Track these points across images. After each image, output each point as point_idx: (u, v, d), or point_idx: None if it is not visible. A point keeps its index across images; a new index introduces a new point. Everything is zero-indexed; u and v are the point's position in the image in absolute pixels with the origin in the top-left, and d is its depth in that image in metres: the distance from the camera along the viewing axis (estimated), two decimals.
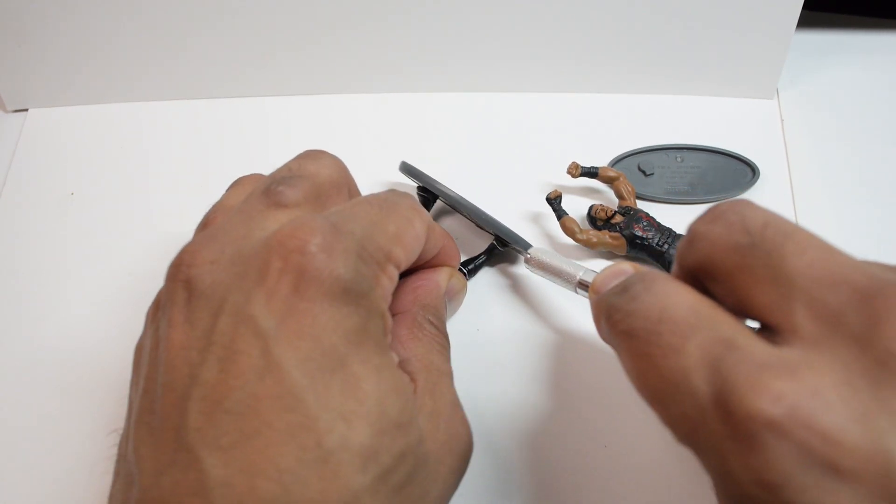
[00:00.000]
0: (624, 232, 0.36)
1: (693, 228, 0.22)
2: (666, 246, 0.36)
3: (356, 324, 0.23)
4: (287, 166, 0.29)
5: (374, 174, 0.42)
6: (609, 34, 0.42)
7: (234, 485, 0.21)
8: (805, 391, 0.17)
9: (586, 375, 0.34)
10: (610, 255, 0.38)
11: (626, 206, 0.37)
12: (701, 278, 0.22)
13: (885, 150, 0.41)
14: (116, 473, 0.24)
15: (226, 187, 0.30)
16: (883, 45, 0.46)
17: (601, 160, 0.40)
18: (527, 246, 0.35)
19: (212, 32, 0.43)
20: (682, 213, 0.39)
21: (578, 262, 0.32)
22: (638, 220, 0.37)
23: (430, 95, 0.45)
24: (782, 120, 0.43)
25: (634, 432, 0.33)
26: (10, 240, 0.40)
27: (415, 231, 0.27)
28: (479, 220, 0.36)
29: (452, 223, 0.40)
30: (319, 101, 0.45)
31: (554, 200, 0.37)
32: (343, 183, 0.29)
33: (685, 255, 0.22)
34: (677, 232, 0.37)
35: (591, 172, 0.38)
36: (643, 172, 0.41)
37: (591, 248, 0.37)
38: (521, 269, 0.37)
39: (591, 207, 0.38)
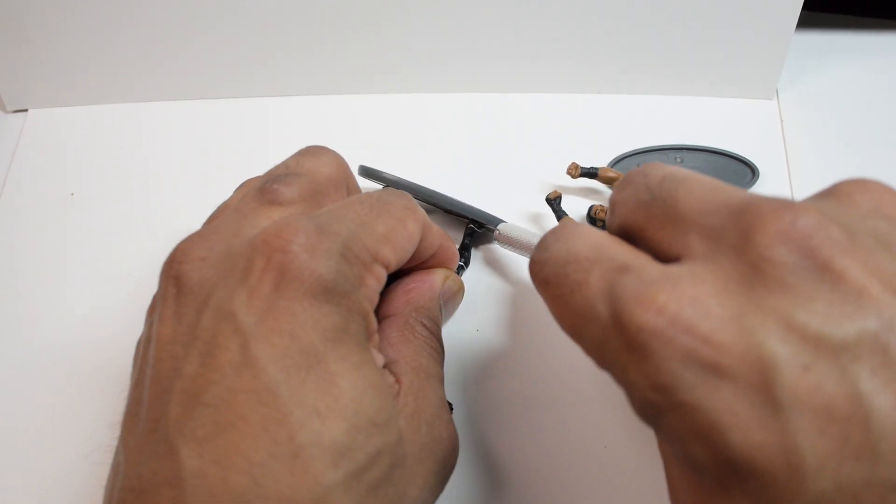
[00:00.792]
0: None
1: (611, 198, 0.24)
2: None
3: (336, 322, 0.23)
4: (285, 163, 0.29)
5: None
6: (609, 34, 0.42)
7: (206, 475, 0.21)
8: (685, 300, 0.19)
9: (586, 375, 0.34)
10: None
11: None
12: (627, 241, 0.23)
13: (885, 150, 0.41)
14: (112, 464, 0.25)
15: (226, 187, 0.30)
16: (883, 45, 0.46)
17: (601, 161, 0.40)
18: (497, 223, 0.36)
19: (212, 32, 0.43)
20: None
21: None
22: None
23: (430, 96, 0.45)
24: (782, 120, 0.43)
25: (634, 433, 0.33)
26: (10, 240, 0.40)
27: (407, 231, 0.27)
28: (452, 206, 0.37)
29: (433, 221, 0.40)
30: (319, 101, 0.45)
31: (554, 201, 0.37)
32: (342, 180, 0.29)
33: (609, 224, 0.24)
34: None
35: (591, 173, 0.38)
36: None
37: None
38: (522, 273, 0.37)
39: (590, 208, 0.38)
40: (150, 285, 0.27)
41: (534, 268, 0.23)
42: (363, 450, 0.23)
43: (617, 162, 0.41)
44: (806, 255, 0.18)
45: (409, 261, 0.28)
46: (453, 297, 0.33)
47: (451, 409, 0.32)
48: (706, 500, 0.19)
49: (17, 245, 0.40)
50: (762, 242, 0.19)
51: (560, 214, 0.37)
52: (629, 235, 0.23)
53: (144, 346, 0.25)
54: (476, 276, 0.37)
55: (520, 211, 0.40)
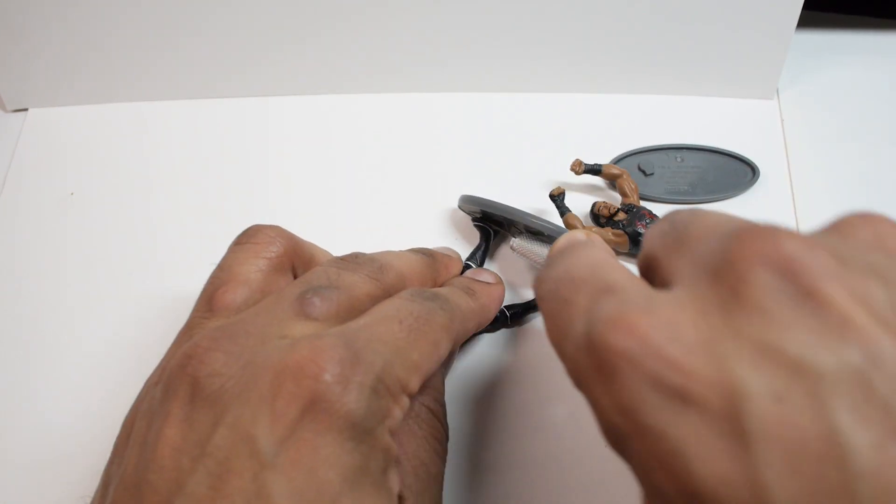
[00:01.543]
0: (627, 229, 0.36)
1: (644, 235, 0.24)
2: None
3: (357, 461, 0.22)
4: (326, 274, 0.27)
5: (373, 174, 0.42)
6: (610, 35, 0.42)
7: None
8: (659, 323, 0.18)
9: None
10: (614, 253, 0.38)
11: (629, 204, 0.38)
12: (647, 272, 0.23)
13: (885, 149, 0.42)
14: None
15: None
16: (883, 45, 0.46)
17: (602, 160, 0.40)
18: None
19: (212, 32, 0.43)
20: None
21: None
22: (641, 218, 0.37)
23: (433, 95, 0.45)
24: (782, 120, 0.43)
25: None
26: (9, 239, 0.40)
27: (439, 354, 0.26)
28: (543, 229, 0.35)
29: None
30: (319, 101, 0.45)
31: (557, 197, 0.37)
32: (380, 296, 0.28)
33: (638, 259, 0.24)
34: None
35: (595, 170, 0.38)
36: (643, 172, 0.41)
37: None
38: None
39: (594, 204, 0.38)
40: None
41: (536, 283, 0.23)
42: None
43: (617, 161, 0.41)
44: (788, 279, 0.17)
45: None
46: (451, 361, 0.32)
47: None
48: None
49: (16, 244, 0.40)
50: (742, 265, 0.18)
51: (563, 211, 0.37)
52: (650, 266, 0.23)
53: (141, 435, 0.24)
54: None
55: (524, 207, 0.39)
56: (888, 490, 0.15)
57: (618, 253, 0.38)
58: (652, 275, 0.22)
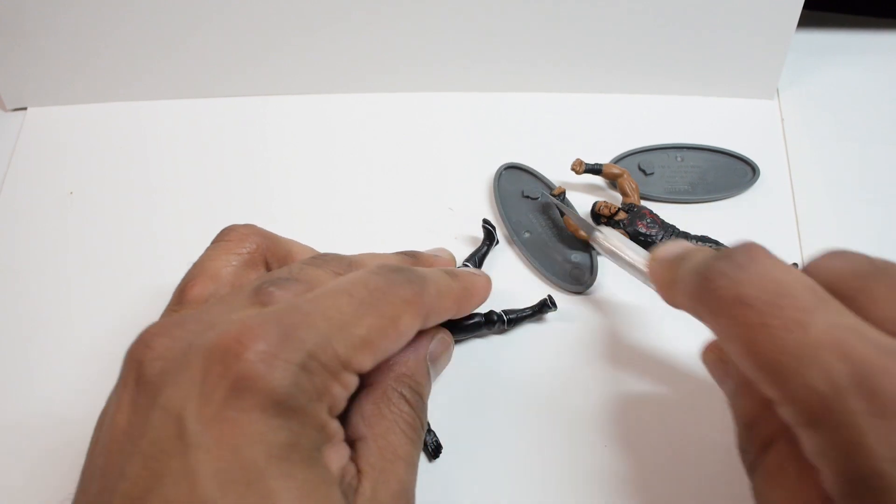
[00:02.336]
0: (627, 228, 0.36)
1: (817, 261, 0.24)
2: None
3: (284, 438, 0.22)
4: (289, 268, 0.28)
5: (373, 174, 0.42)
6: (610, 35, 0.42)
7: None
8: None
9: (586, 376, 0.34)
10: None
11: (630, 203, 0.37)
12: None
13: (885, 149, 0.42)
14: None
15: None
16: (883, 45, 0.46)
17: (602, 160, 0.40)
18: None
19: (211, 31, 0.43)
20: (683, 213, 0.39)
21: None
22: (641, 217, 0.37)
23: (433, 95, 0.45)
24: (782, 120, 0.43)
25: (635, 433, 0.33)
26: (9, 239, 0.40)
27: (397, 330, 0.26)
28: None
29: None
30: (319, 100, 0.45)
31: (558, 197, 0.37)
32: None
33: (817, 267, 0.23)
34: (680, 229, 0.37)
35: (595, 169, 0.38)
36: (644, 172, 0.41)
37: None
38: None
39: (595, 204, 0.38)
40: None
41: (720, 280, 0.22)
42: None
43: (618, 161, 0.41)
44: None
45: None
46: (440, 357, 0.31)
47: (441, 450, 0.32)
48: None
49: (16, 243, 0.40)
50: None
51: (564, 210, 0.37)
52: (836, 293, 0.22)
53: (99, 426, 0.25)
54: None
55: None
56: None
57: None
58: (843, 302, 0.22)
